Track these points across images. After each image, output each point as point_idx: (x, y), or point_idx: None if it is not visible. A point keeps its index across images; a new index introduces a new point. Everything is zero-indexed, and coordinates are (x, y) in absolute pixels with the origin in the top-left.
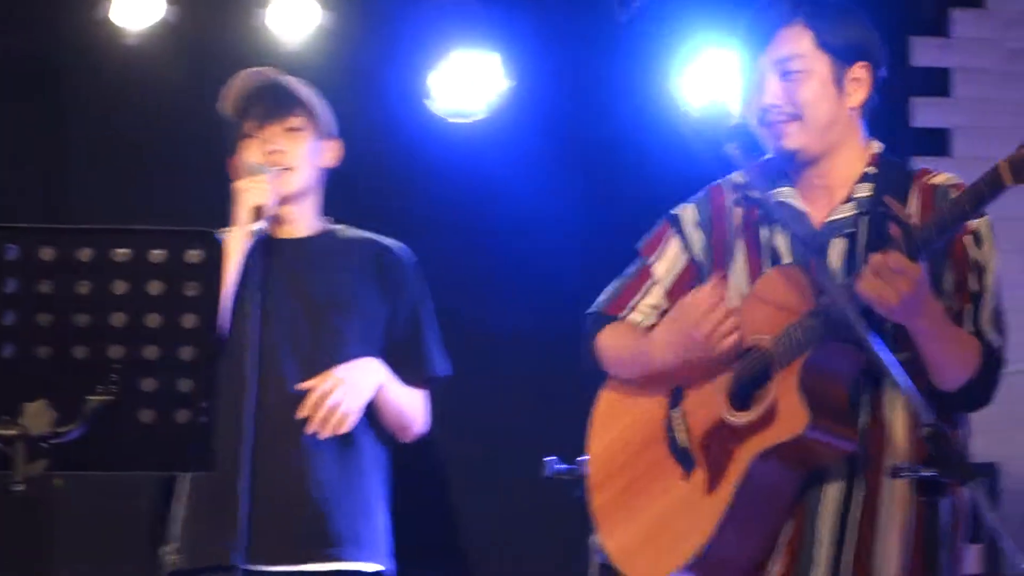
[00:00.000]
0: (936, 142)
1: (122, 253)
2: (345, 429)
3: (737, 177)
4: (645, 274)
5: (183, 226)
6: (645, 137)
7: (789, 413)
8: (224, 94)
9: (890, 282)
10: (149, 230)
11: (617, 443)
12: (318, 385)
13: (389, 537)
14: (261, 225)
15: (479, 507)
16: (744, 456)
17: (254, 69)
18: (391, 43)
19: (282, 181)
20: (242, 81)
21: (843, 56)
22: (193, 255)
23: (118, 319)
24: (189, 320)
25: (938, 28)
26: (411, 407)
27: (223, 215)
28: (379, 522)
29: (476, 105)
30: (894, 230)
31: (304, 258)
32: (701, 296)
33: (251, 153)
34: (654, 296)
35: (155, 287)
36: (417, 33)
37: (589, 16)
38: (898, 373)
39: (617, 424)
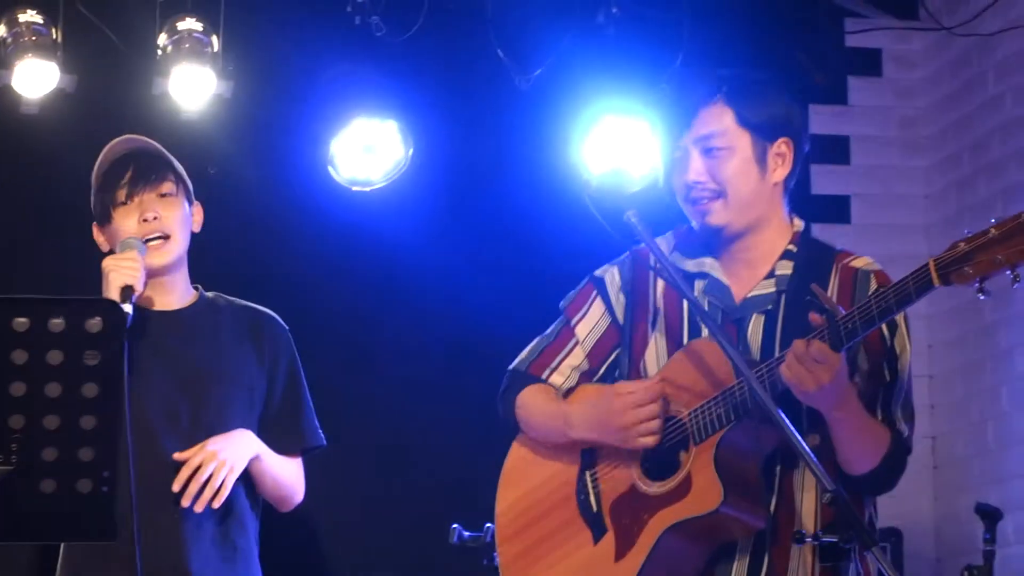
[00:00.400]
0: (835, 209)
1: (21, 322)
2: (217, 503)
3: (660, 243)
4: (568, 334)
5: (78, 295)
6: (545, 204)
7: (703, 488)
8: (100, 162)
9: (811, 370)
10: (49, 299)
11: (527, 499)
12: (191, 459)
13: None
14: (129, 308)
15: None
16: (656, 527)
17: (123, 137)
18: (292, 111)
19: (161, 251)
20: (112, 149)
21: (764, 133)
22: (93, 324)
23: (17, 388)
24: (90, 389)
25: (836, 96)
26: (288, 477)
27: None
28: None
29: (376, 173)
30: (816, 318)
31: (180, 329)
32: (635, 389)
33: (125, 223)
34: (575, 357)
35: (55, 356)
36: (318, 101)
37: (489, 84)
38: (803, 446)
39: (528, 480)
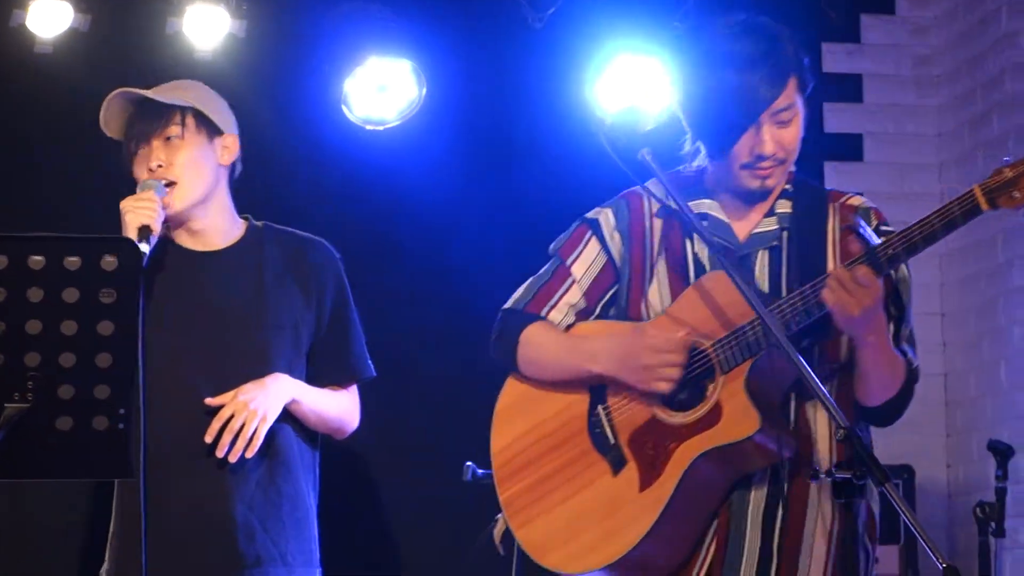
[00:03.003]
0: (848, 147)
1: (37, 260)
2: (250, 453)
3: (653, 187)
4: (563, 273)
5: (90, 233)
6: (559, 143)
7: (737, 415)
8: (103, 120)
9: (854, 294)
10: (64, 237)
11: (529, 436)
12: (222, 410)
13: (317, 547)
14: (146, 248)
15: (403, 510)
16: (685, 455)
17: (121, 90)
18: (306, 51)
19: (171, 197)
20: (114, 103)
21: (807, 89)
22: (109, 262)
23: (33, 326)
24: (106, 327)
25: (849, 35)
26: (335, 410)
27: None
28: (310, 534)
29: (389, 113)
30: (856, 246)
31: (221, 271)
32: (664, 335)
33: (140, 171)
34: (573, 295)
35: (70, 294)
36: (332, 41)
37: (503, 22)
38: (816, 381)
39: (528, 417)
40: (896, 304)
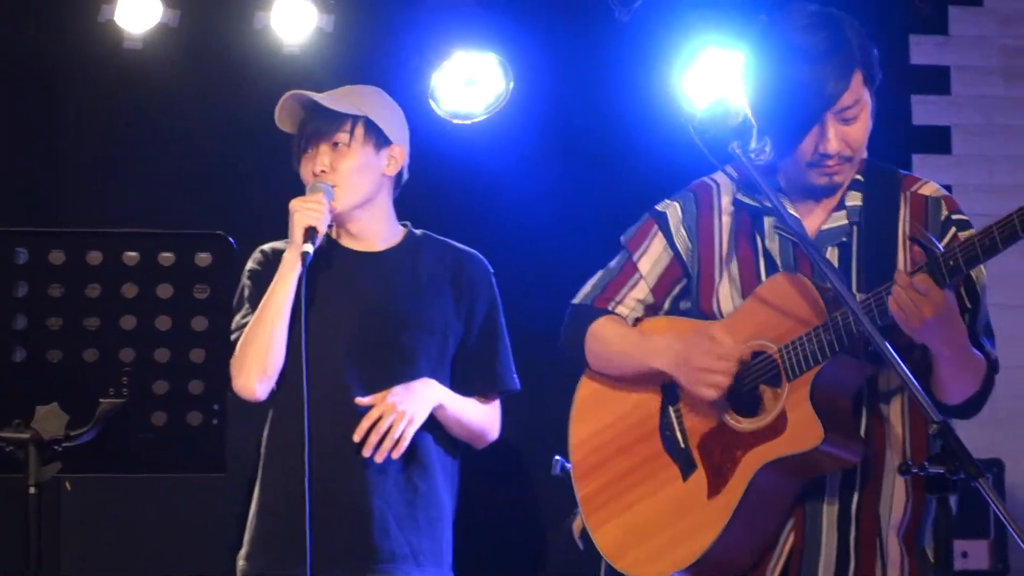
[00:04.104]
0: (936, 140)
1: (131, 256)
2: (396, 454)
3: (725, 179)
4: (630, 268)
5: (181, 229)
6: (646, 137)
7: (801, 426)
8: (276, 114)
9: (915, 301)
10: (158, 233)
11: (605, 433)
12: (371, 410)
13: (450, 549)
14: (310, 248)
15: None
16: (751, 463)
17: (295, 92)
18: (393, 45)
19: (334, 200)
20: (288, 102)
21: (874, 84)
22: (203, 257)
23: (128, 322)
24: (199, 322)
25: (937, 26)
26: (477, 420)
27: (222, 217)
28: (444, 537)
29: (477, 107)
30: (919, 255)
31: (378, 272)
32: (722, 342)
33: (304, 171)
34: (640, 290)
35: (165, 290)
36: (419, 35)
37: (590, 16)
38: (909, 376)
39: (602, 415)
40: (971, 296)
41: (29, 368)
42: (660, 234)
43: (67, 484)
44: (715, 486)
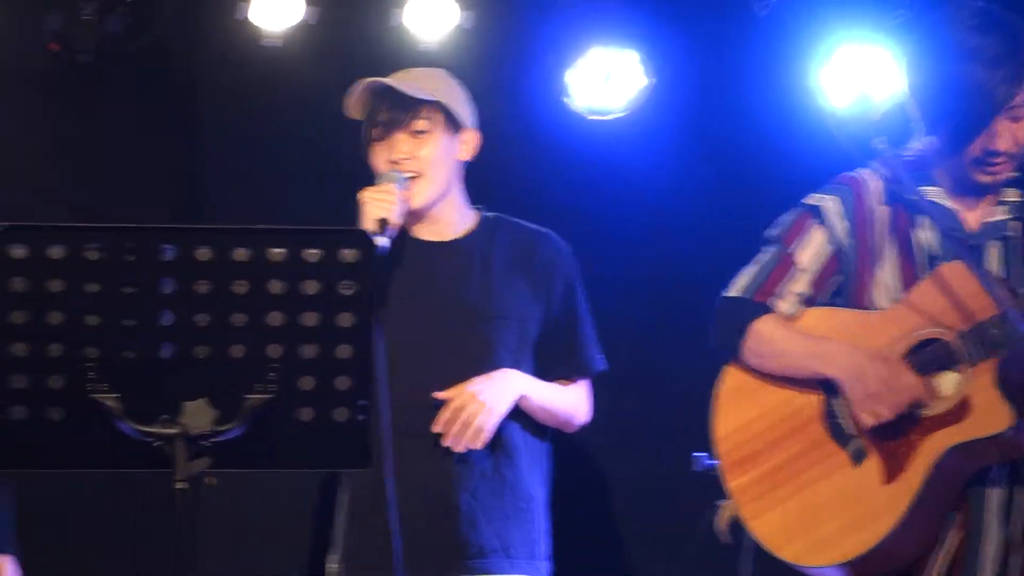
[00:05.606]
0: None
1: (277, 253)
2: (479, 445)
3: (871, 173)
4: (787, 261)
5: (322, 226)
6: (785, 133)
7: (987, 410)
8: (347, 101)
9: None
10: (304, 230)
11: (755, 424)
12: (451, 401)
13: (547, 539)
14: (385, 241)
15: (632, 504)
16: (932, 448)
17: (372, 79)
18: (529, 41)
19: (413, 190)
20: (363, 89)
21: None
22: (348, 254)
23: (275, 318)
24: (345, 319)
25: None
26: (565, 405)
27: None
28: (535, 526)
29: (615, 102)
30: None
31: (450, 261)
32: (904, 377)
33: (378, 160)
34: (800, 284)
35: (311, 286)
36: (555, 31)
37: (727, 11)
38: None
39: (754, 404)
40: None
41: (176, 364)
42: (820, 226)
43: (211, 479)
44: (891, 472)
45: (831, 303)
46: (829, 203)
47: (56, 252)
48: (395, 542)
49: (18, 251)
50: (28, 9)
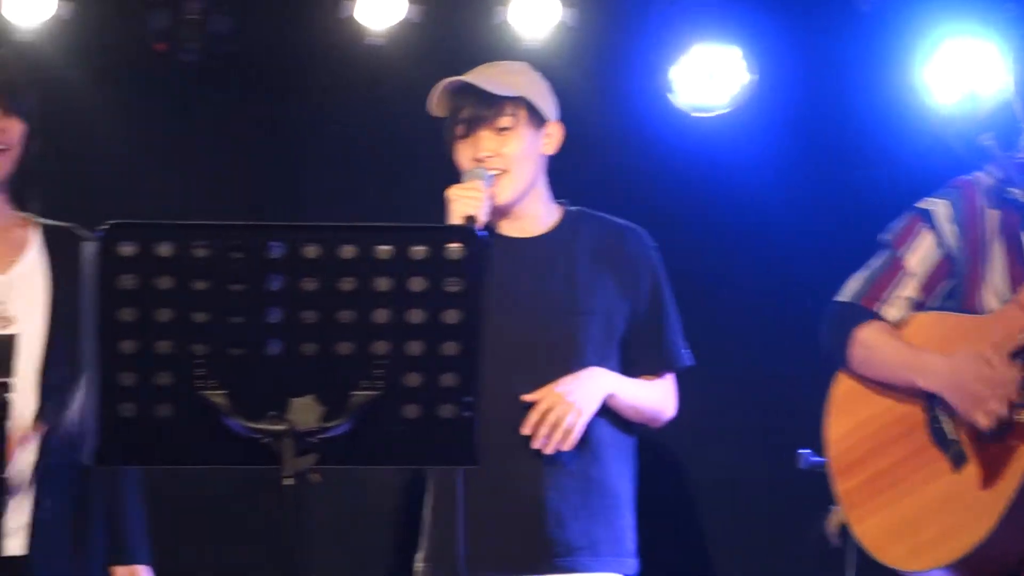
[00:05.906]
0: None
1: (384, 250)
2: (568, 446)
3: (985, 176)
4: (896, 266)
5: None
6: (890, 130)
7: None
8: (430, 99)
9: None
10: (410, 227)
11: (865, 428)
12: (539, 403)
13: (633, 535)
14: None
15: (725, 503)
16: None
17: (454, 78)
18: (632, 38)
19: (499, 187)
20: (445, 88)
21: None
22: (454, 251)
23: (381, 315)
24: (452, 316)
25: None
26: (651, 401)
27: None
28: (622, 523)
29: (719, 99)
30: None
31: (534, 258)
32: (999, 368)
33: (462, 157)
34: (909, 289)
35: (417, 283)
36: (658, 28)
37: (830, 7)
38: None
39: (862, 410)
40: None
41: (284, 361)
42: (929, 231)
43: (316, 476)
44: (989, 477)
45: (943, 307)
46: (940, 207)
47: (165, 250)
48: (459, 541)
49: (127, 248)
50: (133, 9)
